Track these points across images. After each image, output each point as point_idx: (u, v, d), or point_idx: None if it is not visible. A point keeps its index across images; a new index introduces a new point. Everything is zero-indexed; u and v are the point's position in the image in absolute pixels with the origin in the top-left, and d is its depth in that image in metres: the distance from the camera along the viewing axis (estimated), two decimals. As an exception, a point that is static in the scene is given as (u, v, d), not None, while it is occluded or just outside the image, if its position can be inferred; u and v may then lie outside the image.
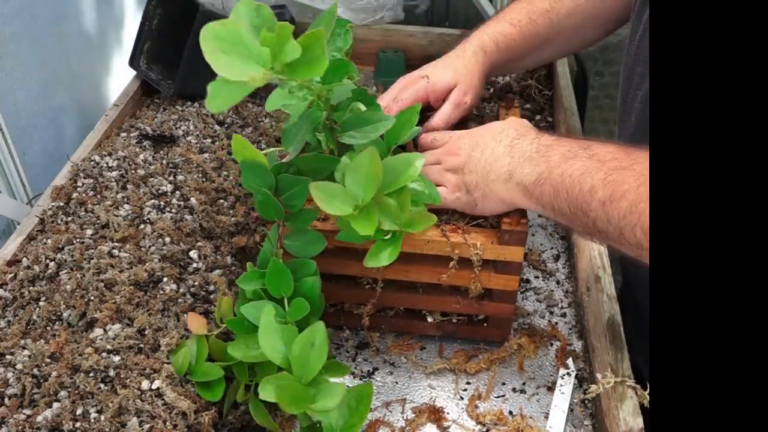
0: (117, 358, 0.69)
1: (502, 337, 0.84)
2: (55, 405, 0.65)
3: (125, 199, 0.88)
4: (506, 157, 0.74)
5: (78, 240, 0.82)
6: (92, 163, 0.95)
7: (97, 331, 0.71)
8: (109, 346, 0.70)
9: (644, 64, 0.86)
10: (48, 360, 0.69)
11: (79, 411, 0.65)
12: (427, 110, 0.89)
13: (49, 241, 0.82)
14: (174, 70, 1.11)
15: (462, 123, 0.95)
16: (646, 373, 0.72)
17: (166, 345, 0.70)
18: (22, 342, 0.71)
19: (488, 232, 0.77)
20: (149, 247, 0.82)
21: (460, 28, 1.28)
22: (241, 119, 1.08)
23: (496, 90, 1.11)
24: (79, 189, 0.91)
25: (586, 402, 0.78)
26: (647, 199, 0.61)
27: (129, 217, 0.85)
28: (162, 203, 0.88)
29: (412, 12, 1.52)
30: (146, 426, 0.64)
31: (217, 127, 1.05)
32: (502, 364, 0.83)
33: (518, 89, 1.15)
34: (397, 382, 0.81)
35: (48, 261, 0.80)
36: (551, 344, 0.85)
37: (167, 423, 0.65)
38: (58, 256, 0.80)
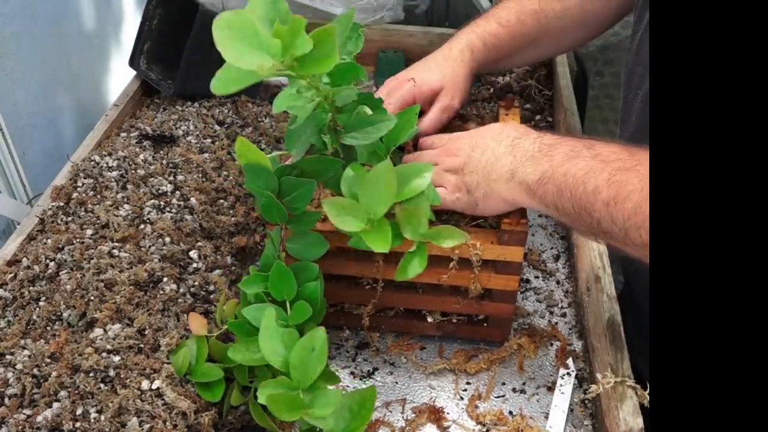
0: (117, 358, 0.69)
1: (502, 337, 0.84)
2: (55, 405, 0.66)
3: (125, 199, 0.88)
4: (508, 156, 0.73)
5: (78, 240, 0.82)
6: (92, 163, 0.95)
7: (97, 331, 0.71)
8: (109, 346, 0.70)
9: (645, 64, 0.86)
10: (48, 360, 0.69)
11: (79, 411, 0.65)
12: None
13: (49, 241, 0.82)
14: (174, 70, 1.11)
15: (462, 123, 0.96)
16: (646, 373, 0.72)
17: (166, 345, 0.70)
18: (22, 342, 0.71)
19: (488, 233, 0.77)
20: (149, 247, 0.82)
21: (460, 28, 1.28)
22: (241, 119, 1.08)
23: (496, 90, 1.11)
24: (79, 189, 0.91)
25: (586, 402, 0.78)
26: None
27: (129, 217, 0.85)
28: (162, 203, 0.88)
29: (412, 12, 1.52)
30: (146, 426, 0.64)
31: (217, 127, 1.05)
32: (502, 364, 0.83)
33: (518, 89, 1.15)
34: (397, 382, 0.81)
35: (48, 261, 0.80)
36: (551, 344, 0.85)
37: (167, 423, 0.65)
38: (58, 256, 0.80)
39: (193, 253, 0.83)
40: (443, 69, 0.89)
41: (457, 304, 0.82)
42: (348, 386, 0.81)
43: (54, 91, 1.18)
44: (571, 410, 0.78)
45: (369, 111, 0.72)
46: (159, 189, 0.90)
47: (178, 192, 0.91)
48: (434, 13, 1.61)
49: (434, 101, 0.89)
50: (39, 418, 0.64)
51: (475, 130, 0.81)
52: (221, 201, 0.92)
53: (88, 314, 0.73)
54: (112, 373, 0.68)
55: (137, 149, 0.98)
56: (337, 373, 0.82)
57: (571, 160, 0.68)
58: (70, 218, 0.87)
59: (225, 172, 0.95)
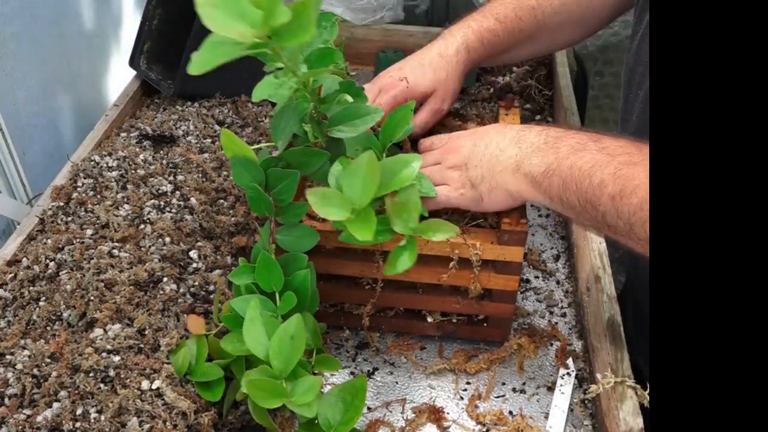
0: (117, 358, 0.69)
1: (502, 337, 0.84)
2: (55, 405, 0.66)
3: (125, 199, 0.88)
4: (513, 148, 0.73)
5: (78, 240, 0.82)
6: (92, 163, 0.95)
7: (97, 331, 0.71)
8: (109, 346, 0.70)
9: (645, 64, 0.86)
10: (48, 360, 0.69)
11: (79, 411, 0.65)
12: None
13: (49, 241, 0.82)
14: (174, 70, 1.11)
15: (462, 123, 0.96)
16: (646, 373, 0.72)
17: (166, 345, 0.70)
18: (22, 342, 0.71)
19: (488, 232, 0.77)
20: (149, 247, 0.82)
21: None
22: (241, 119, 1.08)
23: (496, 90, 1.11)
24: (79, 189, 0.91)
25: (586, 402, 0.78)
26: None
27: (129, 217, 0.85)
28: (162, 203, 0.88)
29: (412, 12, 1.52)
30: (146, 426, 0.64)
31: (217, 127, 1.05)
32: (502, 364, 0.83)
33: (518, 89, 1.15)
34: (397, 382, 0.81)
35: (48, 261, 0.80)
36: (551, 344, 0.85)
37: (167, 423, 0.65)
38: (58, 256, 0.80)
39: (193, 253, 0.83)
40: (437, 71, 0.89)
41: (457, 304, 0.82)
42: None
43: (54, 91, 1.18)
44: (571, 410, 0.78)
45: (350, 99, 0.72)
46: (159, 189, 0.90)
47: (178, 192, 0.91)
48: (434, 13, 1.61)
49: (424, 102, 0.89)
50: (39, 418, 0.64)
51: (475, 129, 0.81)
52: (221, 201, 0.92)
53: (88, 314, 0.73)
54: (112, 373, 0.68)
55: (137, 149, 0.98)
56: (337, 373, 0.82)
57: (577, 153, 0.68)
58: (70, 218, 0.87)
59: (225, 172, 0.95)
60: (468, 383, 0.81)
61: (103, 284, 0.76)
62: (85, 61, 1.26)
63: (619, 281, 0.98)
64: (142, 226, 0.84)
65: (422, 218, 0.70)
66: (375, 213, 0.66)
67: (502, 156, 0.73)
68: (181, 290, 0.78)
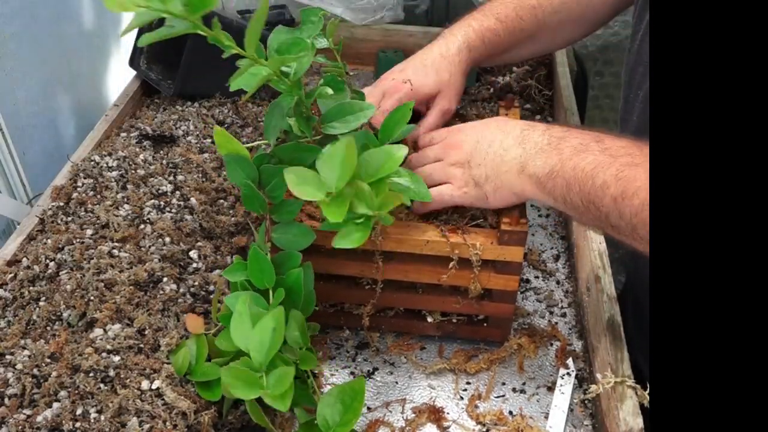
0: (117, 358, 0.69)
1: (502, 337, 0.84)
2: (55, 405, 0.65)
3: (125, 199, 0.88)
4: (517, 148, 0.73)
5: (78, 240, 0.82)
6: (92, 163, 0.95)
7: (97, 331, 0.71)
8: (109, 346, 0.70)
9: (645, 64, 0.86)
10: (48, 360, 0.69)
11: (79, 411, 0.65)
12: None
13: (49, 241, 0.82)
14: (174, 70, 1.11)
15: (462, 124, 0.96)
16: (646, 371, 0.72)
17: (166, 345, 0.70)
18: (22, 342, 0.71)
19: (488, 232, 0.77)
20: (149, 247, 0.82)
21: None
22: (241, 119, 1.08)
23: (496, 90, 1.11)
24: (79, 189, 0.91)
25: (586, 402, 0.78)
26: None
27: (129, 217, 0.85)
28: (162, 203, 0.88)
29: (412, 12, 1.52)
30: (146, 426, 0.64)
31: (217, 127, 1.05)
32: (502, 364, 0.83)
33: (518, 89, 1.15)
34: (397, 382, 0.81)
35: (48, 261, 0.80)
36: (551, 344, 0.85)
37: (167, 423, 0.65)
38: (58, 256, 0.80)
39: (193, 253, 0.83)
40: (440, 72, 0.89)
41: (457, 304, 0.82)
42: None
43: (54, 91, 1.18)
44: (571, 410, 0.78)
45: (330, 91, 0.73)
46: (159, 189, 0.90)
47: (178, 192, 0.91)
48: (434, 13, 1.60)
49: (430, 103, 0.89)
50: (39, 418, 0.64)
51: (474, 122, 0.80)
52: (221, 201, 0.92)
53: (88, 314, 0.73)
54: (112, 373, 0.68)
55: (137, 149, 0.98)
56: (337, 373, 0.82)
57: (580, 154, 0.68)
58: (70, 218, 0.87)
59: (225, 172, 0.95)
60: (468, 383, 0.81)
61: (103, 284, 0.76)
62: (85, 61, 1.26)
63: (619, 281, 0.98)
64: (142, 226, 0.84)
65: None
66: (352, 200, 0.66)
67: (507, 156, 0.73)
68: (181, 290, 0.78)
